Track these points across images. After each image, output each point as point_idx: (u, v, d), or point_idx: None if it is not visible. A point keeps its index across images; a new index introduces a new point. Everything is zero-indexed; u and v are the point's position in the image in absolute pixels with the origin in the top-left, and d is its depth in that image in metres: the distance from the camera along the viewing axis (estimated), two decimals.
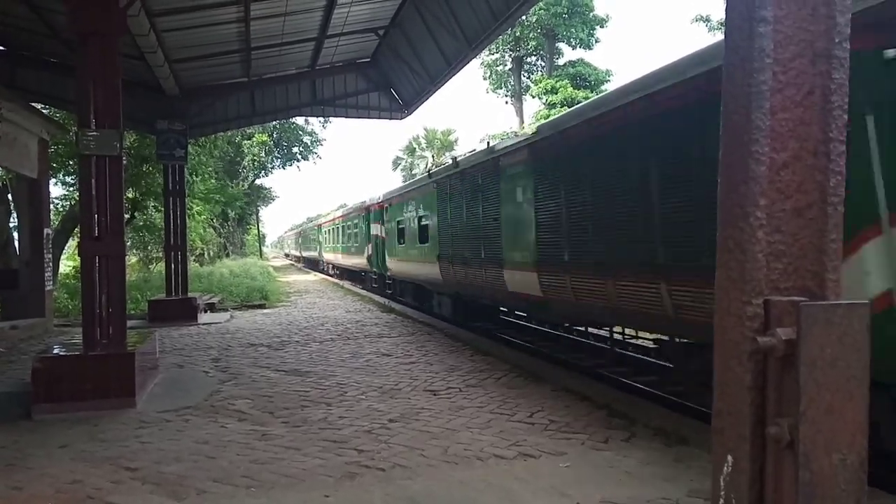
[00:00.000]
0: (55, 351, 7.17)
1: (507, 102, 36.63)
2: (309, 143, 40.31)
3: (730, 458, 1.21)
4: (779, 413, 1.14)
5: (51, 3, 9.57)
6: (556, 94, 31.63)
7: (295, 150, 40.62)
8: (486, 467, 4.68)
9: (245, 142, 35.31)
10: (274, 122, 32.19)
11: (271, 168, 42.85)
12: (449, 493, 4.21)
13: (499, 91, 36.29)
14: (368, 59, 15.77)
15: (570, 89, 31.62)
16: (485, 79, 36.13)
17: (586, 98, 31.68)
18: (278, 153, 40.70)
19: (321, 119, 36.77)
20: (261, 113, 16.60)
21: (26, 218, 13.00)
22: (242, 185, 41.50)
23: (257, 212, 55.02)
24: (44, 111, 14.20)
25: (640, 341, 9.40)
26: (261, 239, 66.88)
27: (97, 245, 6.90)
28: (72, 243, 19.56)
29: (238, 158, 37.43)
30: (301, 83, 15.96)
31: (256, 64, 14.09)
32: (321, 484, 4.42)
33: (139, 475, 4.57)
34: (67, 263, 21.79)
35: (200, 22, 11.11)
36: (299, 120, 36.34)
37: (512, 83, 35.94)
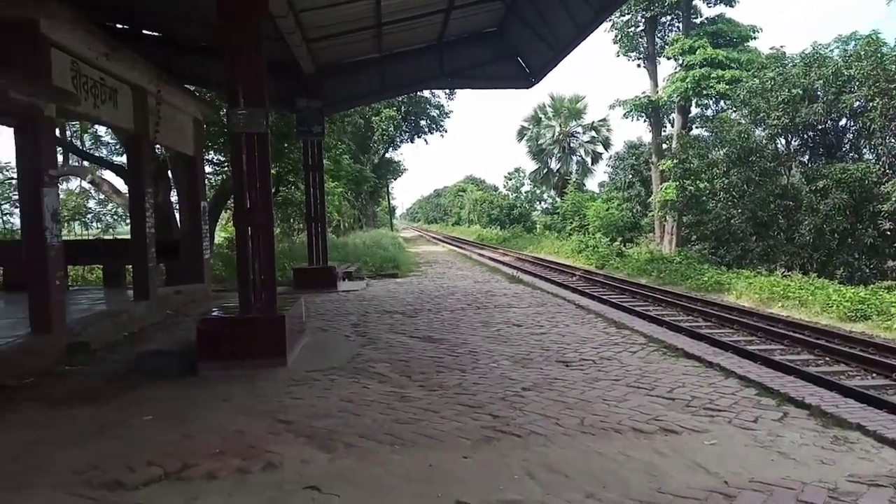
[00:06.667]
0: (215, 314, 7.82)
1: (639, 66, 34.91)
2: (436, 116, 40.96)
3: None
4: None
5: None
6: (694, 53, 29.75)
7: (422, 123, 41.44)
8: (625, 440, 4.59)
9: (374, 117, 36.42)
10: (402, 97, 32.92)
11: (399, 142, 44.05)
12: (586, 464, 4.18)
13: (630, 54, 34.65)
14: (495, 29, 15.60)
15: (709, 49, 29.60)
16: (615, 42, 34.59)
17: (727, 58, 29.53)
18: (406, 127, 41.68)
19: (447, 92, 37.22)
20: (389, 87, 16.94)
21: (185, 193, 14.17)
22: (373, 159, 42.97)
23: (388, 185, 56.78)
24: (196, 93, 15.34)
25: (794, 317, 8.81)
26: (391, 211, 69.04)
27: (249, 216, 7.41)
28: (224, 215, 21.21)
29: (369, 133, 38.74)
30: (428, 56, 16.09)
31: (387, 39, 14.39)
32: (459, 446, 4.53)
33: (293, 428, 4.92)
34: (220, 234, 23.64)
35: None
36: (426, 93, 36.95)
37: (645, 45, 34.21)
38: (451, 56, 16.07)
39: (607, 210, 36.64)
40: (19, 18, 7.18)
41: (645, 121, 34.57)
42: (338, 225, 33.35)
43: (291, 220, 26.28)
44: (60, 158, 18.12)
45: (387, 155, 46.59)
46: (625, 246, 30.48)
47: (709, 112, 32.94)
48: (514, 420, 5.03)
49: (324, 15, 12.13)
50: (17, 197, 16.03)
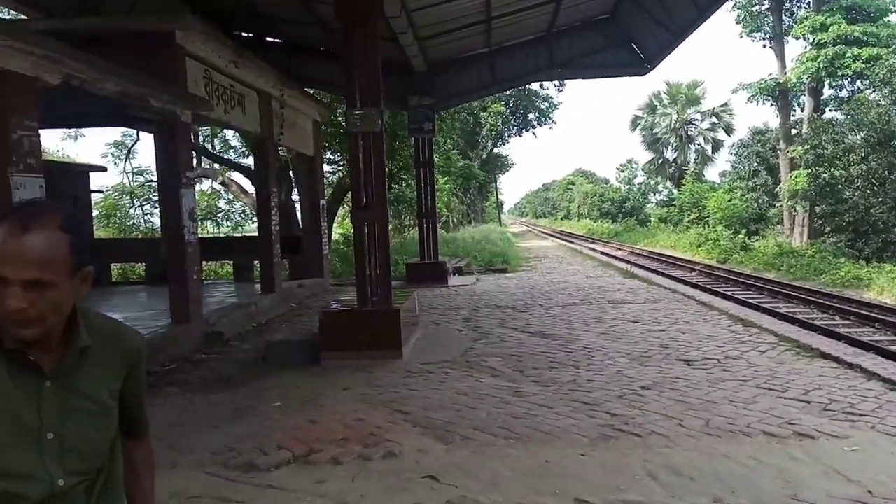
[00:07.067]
0: (334, 307, 8.16)
1: (765, 46, 32.66)
2: (545, 109, 40.40)
3: None
4: None
5: None
6: (827, 31, 27.46)
7: (531, 116, 41.02)
8: (755, 444, 4.33)
9: (482, 113, 36.47)
10: (510, 91, 32.73)
11: (508, 136, 43.85)
12: (713, 467, 3.98)
13: (755, 35, 32.49)
14: (608, 16, 15.15)
15: (843, 25, 27.21)
16: (737, 22, 32.51)
17: (864, 34, 27.02)
18: (514, 121, 41.42)
19: (556, 83, 36.59)
20: (499, 81, 16.86)
21: (305, 191, 14.87)
22: (481, 154, 43.11)
23: (496, 179, 56.78)
24: (314, 95, 16.02)
25: None
26: (499, 206, 69.02)
27: (366, 213, 7.66)
28: (340, 212, 22.04)
29: (477, 129, 38.87)
30: (537, 47, 15.87)
31: (496, 33, 14.35)
32: (576, 443, 4.46)
33: (410, 418, 5.04)
34: (336, 231, 24.60)
35: None
36: (534, 85, 36.50)
37: (771, 24, 31.99)
38: (560, 46, 15.76)
39: (730, 201, 34.58)
40: (158, 31, 7.82)
41: (771, 105, 32.38)
42: (447, 220, 33.80)
43: (402, 217, 26.92)
44: (194, 161, 19.57)
45: (495, 150, 46.57)
46: (749, 239, 28.69)
47: (843, 93, 30.36)
48: (633, 419, 4.88)
49: (435, 13, 12.28)
50: (157, 198, 17.44)
